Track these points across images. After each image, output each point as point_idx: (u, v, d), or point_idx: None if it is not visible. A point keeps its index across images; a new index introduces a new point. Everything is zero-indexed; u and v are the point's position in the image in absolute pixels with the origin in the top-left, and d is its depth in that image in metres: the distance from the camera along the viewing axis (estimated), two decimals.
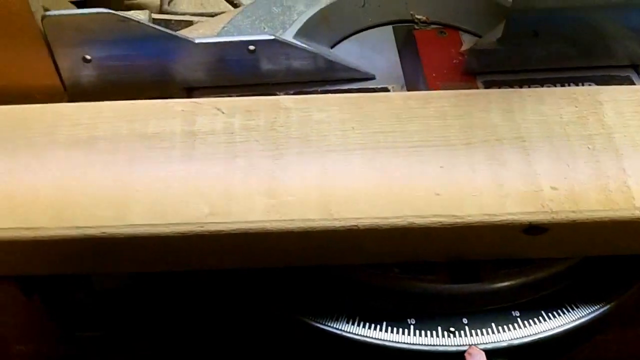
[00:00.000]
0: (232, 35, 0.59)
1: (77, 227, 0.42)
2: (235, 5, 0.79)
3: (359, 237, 0.43)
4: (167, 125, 0.47)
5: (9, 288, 0.47)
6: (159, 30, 0.53)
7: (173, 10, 0.90)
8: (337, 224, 0.42)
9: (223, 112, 0.48)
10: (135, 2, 0.95)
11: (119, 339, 0.53)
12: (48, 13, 0.51)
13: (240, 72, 0.56)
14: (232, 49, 0.54)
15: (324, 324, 0.46)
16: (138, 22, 0.52)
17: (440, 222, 0.42)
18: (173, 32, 0.53)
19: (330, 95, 0.49)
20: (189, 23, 0.75)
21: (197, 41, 0.54)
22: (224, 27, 0.61)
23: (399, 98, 0.49)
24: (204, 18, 0.78)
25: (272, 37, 0.54)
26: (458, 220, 0.42)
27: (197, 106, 0.48)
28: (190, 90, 0.57)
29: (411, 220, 0.42)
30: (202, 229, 0.42)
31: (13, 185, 0.44)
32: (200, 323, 0.51)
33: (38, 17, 0.52)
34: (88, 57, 0.54)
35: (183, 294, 0.50)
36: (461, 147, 0.45)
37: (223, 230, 0.42)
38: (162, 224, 0.42)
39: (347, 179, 0.44)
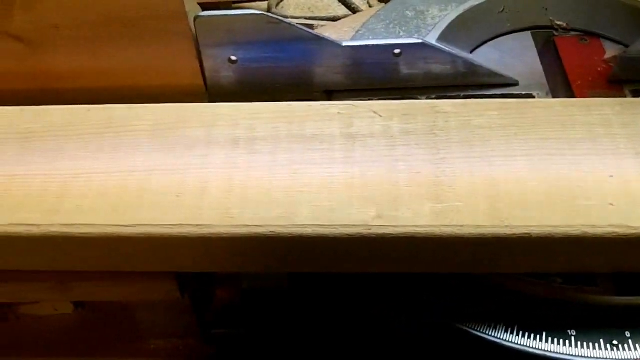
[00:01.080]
0: (369, 38, 0.59)
1: (246, 226, 0.43)
2: (353, 10, 0.79)
3: (530, 245, 0.42)
4: (326, 127, 0.47)
5: (162, 284, 0.48)
6: (309, 33, 0.53)
7: (282, 13, 0.90)
8: (508, 231, 0.41)
9: (380, 116, 0.48)
10: (242, 5, 0.95)
11: (257, 339, 0.53)
12: (201, 14, 0.52)
13: (382, 76, 0.56)
14: (378, 53, 0.54)
15: (483, 332, 0.45)
16: (289, 24, 0.52)
17: (615, 233, 0.41)
18: (322, 35, 0.54)
19: (487, 100, 0.49)
20: (309, 27, 0.75)
21: (344, 44, 0.54)
22: (358, 31, 0.61)
23: (558, 104, 0.48)
24: (323, 22, 0.78)
25: (421, 41, 0.54)
26: (634, 232, 0.41)
27: (353, 109, 0.48)
28: (329, 93, 0.57)
29: (585, 230, 0.41)
30: (369, 231, 0.42)
31: (179, 182, 0.45)
32: (350, 329, 0.51)
33: (191, 18, 0.52)
34: (234, 58, 0.55)
35: (334, 297, 0.50)
36: (630, 157, 0.44)
37: (391, 234, 0.42)
38: (330, 225, 0.42)
39: (515, 185, 0.43)
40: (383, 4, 0.77)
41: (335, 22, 0.73)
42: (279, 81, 0.56)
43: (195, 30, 0.53)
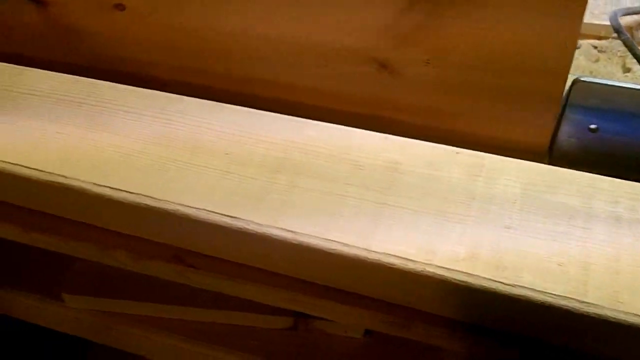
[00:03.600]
0: None
1: (636, 315, 0.41)
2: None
3: None
4: None
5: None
6: None
7: None
8: None
9: None
10: None
11: None
12: (582, 78, 0.51)
13: None
14: None
15: None
16: None
17: None
18: None
19: None
20: None
21: None
22: None
23: None
24: None
25: None
26: None
27: None
28: None
29: None
30: None
31: (560, 251, 0.44)
32: None
33: (569, 79, 0.51)
34: (594, 126, 0.53)
35: None
36: None
37: None
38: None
39: None
40: None
41: None
42: (633, 158, 0.54)
43: (569, 93, 0.52)
